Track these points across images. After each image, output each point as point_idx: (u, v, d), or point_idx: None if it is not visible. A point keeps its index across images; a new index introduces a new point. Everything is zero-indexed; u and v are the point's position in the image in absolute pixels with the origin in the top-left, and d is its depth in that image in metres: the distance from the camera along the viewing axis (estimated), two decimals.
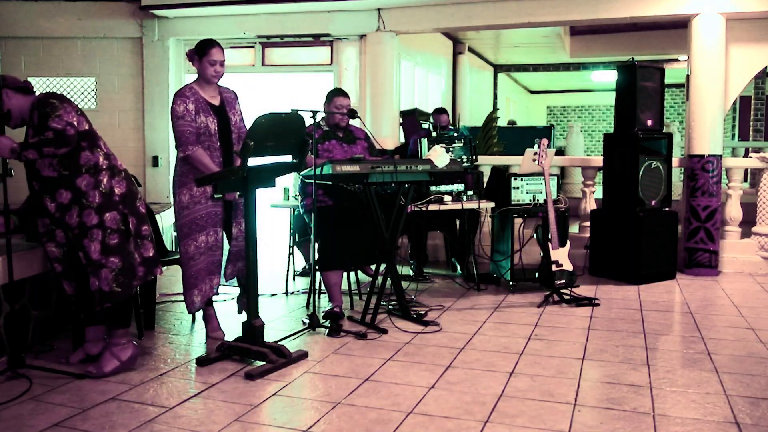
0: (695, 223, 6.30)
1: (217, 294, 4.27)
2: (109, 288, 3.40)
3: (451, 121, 7.92)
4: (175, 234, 4.25)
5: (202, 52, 3.97)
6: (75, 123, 3.34)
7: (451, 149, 5.50)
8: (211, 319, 4.22)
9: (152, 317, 4.39)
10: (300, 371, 3.52)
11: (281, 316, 4.72)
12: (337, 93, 4.83)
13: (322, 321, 4.37)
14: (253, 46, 7.42)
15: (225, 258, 4.20)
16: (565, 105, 19.60)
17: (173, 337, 4.20)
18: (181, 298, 5.14)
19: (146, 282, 3.86)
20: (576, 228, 6.94)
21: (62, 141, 3.25)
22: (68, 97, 3.63)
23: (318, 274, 4.74)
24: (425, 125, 7.36)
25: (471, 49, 11.58)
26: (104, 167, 3.44)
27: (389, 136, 7.03)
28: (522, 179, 5.45)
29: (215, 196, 3.97)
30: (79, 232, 3.39)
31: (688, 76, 6.40)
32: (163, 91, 7.37)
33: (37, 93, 3.49)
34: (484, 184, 6.03)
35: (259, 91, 8.73)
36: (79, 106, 3.56)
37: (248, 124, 3.70)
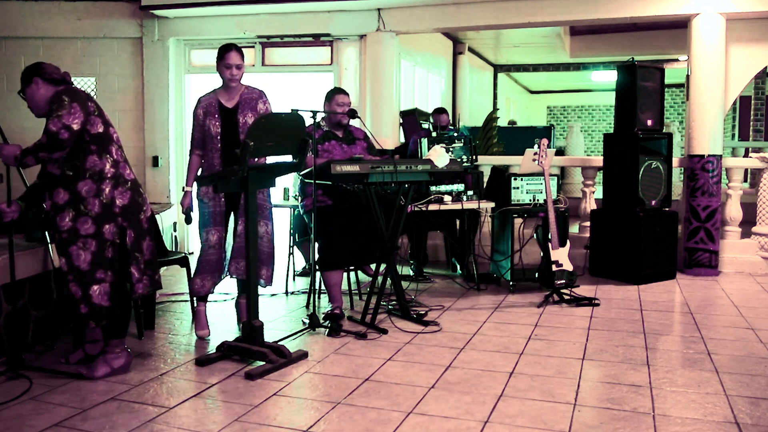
0: (695, 223, 6.31)
1: (212, 293, 4.27)
2: (106, 303, 3.34)
3: (451, 121, 7.92)
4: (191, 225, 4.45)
5: (220, 56, 4.08)
6: (75, 125, 3.22)
7: (451, 149, 5.50)
8: (200, 316, 4.24)
9: (152, 317, 4.39)
10: (300, 371, 3.52)
11: (281, 316, 4.72)
12: (338, 91, 4.84)
13: (322, 322, 4.37)
14: (253, 46, 7.42)
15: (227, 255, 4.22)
16: (565, 105, 19.60)
17: (173, 337, 4.20)
18: (182, 297, 5.17)
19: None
20: (576, 228, 6.94)
21: (55, 145, 3.19)
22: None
23: (318, 274, 4.75)
24: (425, 125, 7.36)
25: (471, 49, 11.57)
26: (109, 175, 3.34)
27: (389, 136, 7.03)
28: (522, 179, 5.45)
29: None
30: (67, 237, 3.31)
31: (688, 76, 6.40)
32: (163, 91, 7.37)
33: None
34: (484, 184, 6.03)
35: None
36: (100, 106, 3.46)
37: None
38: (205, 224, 4.14)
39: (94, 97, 7.50)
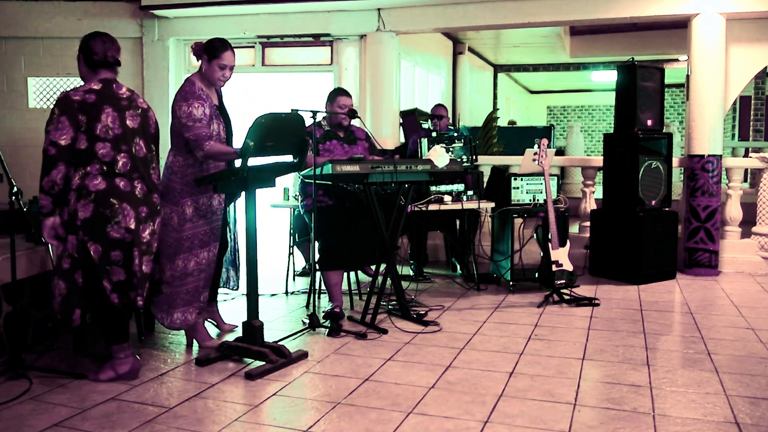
0: (695, 223, 6.30)
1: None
2: (57, 310, 3.33)
3: (451, 121, 7.91)
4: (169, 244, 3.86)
5: (213, 54, 3.75)
6: (63, 141, 3.18)
7: (451, 149, 5.50)
8: (200, 329, 4.01)
9: (152, 318, 4.39)
10: (300, 371, 3.52)
11: (281, 316, 4.73)
12: (340, 92, 4.83)
13: (322, 321, 4.37)
14: (253, 46, 7.42)
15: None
16: (565, 105, 19.60)
17: (173, 337, 4.19)
18: None
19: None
20: (576, 228, 6.94)
21: (47, 163, 3.19)
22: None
23: (318, 274, 4.75)
24: (425, 125, 7.36)
25: (471, 49, 11.58)
26: (73, 187, 3.24)
27: (389, 136, 7.03)
28: (522, 179, 5.45)
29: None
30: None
31: (688, 76, 6.40)
32: (163, 91, 7.37)
33: (67, 90, 3.39)
34: (484, 184, 6.03)
35: (259, 91, 8.74)
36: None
37: (248, 124, 3.67)
38: (203, 244, 3.82)
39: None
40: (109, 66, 3.39)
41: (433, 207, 5.28)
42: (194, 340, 4.02)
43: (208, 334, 4.06)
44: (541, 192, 5.42)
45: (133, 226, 3.32)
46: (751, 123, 12.15)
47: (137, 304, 3.39)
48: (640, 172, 5.84)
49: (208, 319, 4.25)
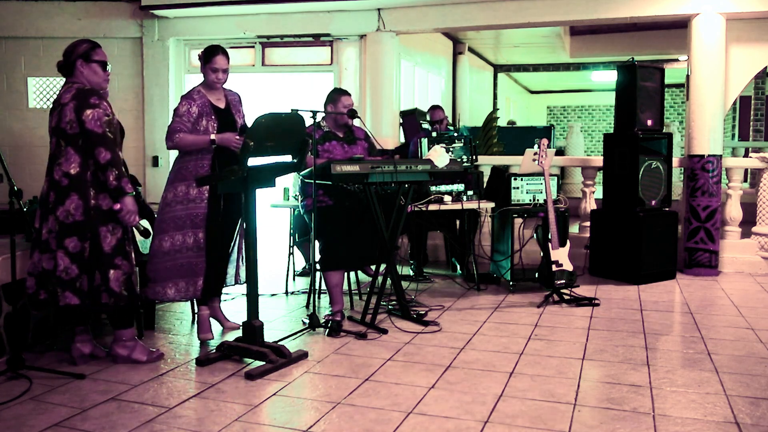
0: (695, 223, 6.30)
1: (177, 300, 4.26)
2: None
3: (450, 121, 7.89)
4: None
5: (207, 59, 4.05)
6: None
7: (451, 149, 5.50)
8: (203, 321, 4.16)
9: (152, 317, 4.39)
10: (300, 371, 3.53)
11: (281, 316, 4.73)
12: (342, 93, 4.82)
13: (322, 323, 4.37)
14: (253, 46, 7.42)
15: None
16: (565, 105, 19.59)
17: (173, 337, 4.20)
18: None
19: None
20: (576, 228, 6.94)
21: None
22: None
23: (318, 274, 4.74)
24: (425, 125, 7.36)
25: (471, 49, 11.57)
26: None
27: (389, 136, 7.03)
28: (522, 179, 5.45)
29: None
30: None
31: (688, 76, 6.40)
32: (163, 91, 7.36)
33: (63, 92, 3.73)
34: (484, 184, 6.03)
35: (259, 91, 8.74)
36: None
37: (248, 124, 3.70)
38: (179, 227, 3.95)
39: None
40: (65, 74, 3.83)
41: (433, 207, 5.28)
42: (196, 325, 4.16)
43: (210, 329, 4.15)
44: (541, 192, 5.42)
45: (37, 225, 3.57)
46: (751, 123, 12.15)
47: (38, 296, 3.54)
48: (640, 172, 5.84)
49: (211, 317, 4.26)
